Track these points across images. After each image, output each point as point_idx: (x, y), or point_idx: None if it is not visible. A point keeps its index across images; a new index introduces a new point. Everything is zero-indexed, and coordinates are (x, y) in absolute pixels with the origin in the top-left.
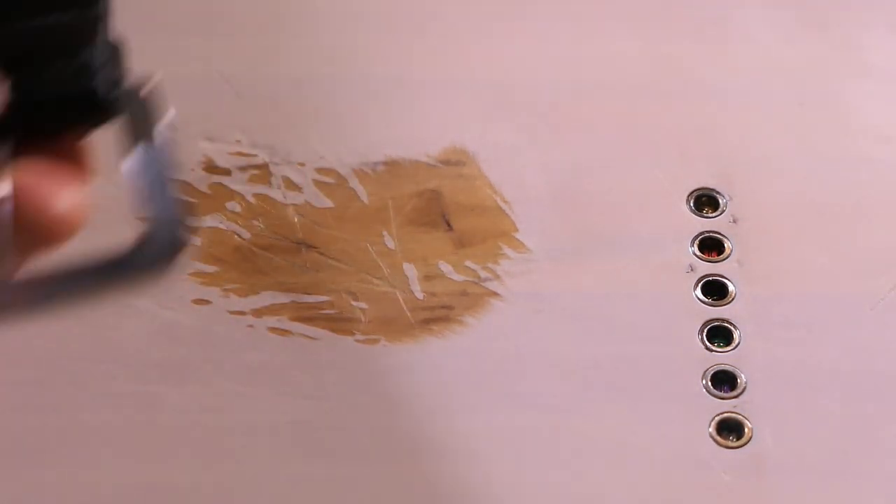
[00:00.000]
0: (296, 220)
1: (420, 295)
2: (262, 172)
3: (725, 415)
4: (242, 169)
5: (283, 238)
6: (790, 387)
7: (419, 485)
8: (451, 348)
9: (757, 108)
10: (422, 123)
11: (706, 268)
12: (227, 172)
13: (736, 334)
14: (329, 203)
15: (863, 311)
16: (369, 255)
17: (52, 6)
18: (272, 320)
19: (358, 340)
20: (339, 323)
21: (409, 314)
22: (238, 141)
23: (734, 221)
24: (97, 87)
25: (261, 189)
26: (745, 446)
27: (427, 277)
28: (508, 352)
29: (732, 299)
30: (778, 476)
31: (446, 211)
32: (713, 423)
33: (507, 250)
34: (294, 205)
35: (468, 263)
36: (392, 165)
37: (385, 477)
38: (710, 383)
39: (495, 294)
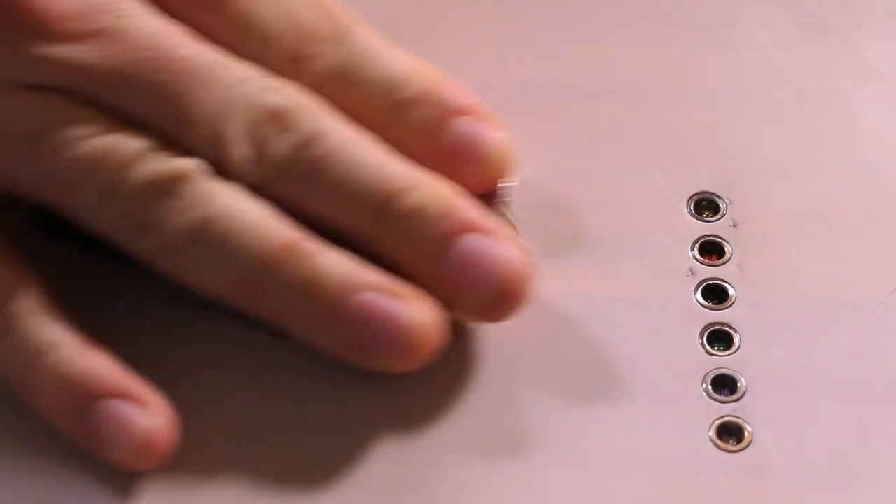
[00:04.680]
0: None
1: None
2: None
3: (725, 418)
4: None
5: None
6: (790, 390)
7: (419, 487)
8: (451, 351)
9: (757, 112)
10: None
11: (706, 272)
12: None
13: (736, 338)
14: None
15: (863, 315)
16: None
17: None
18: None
19: None
20: None
21: None
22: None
23: (734, 225)
24: None
25: None
26: (746, 450)
27: None
28: (508, 355)
29: (733, 303)
30: (778, 480)
31: None
32: (713, 427)
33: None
34: None
35: None
36: None
37: (385, 479)
38: (710, 387)
39: None
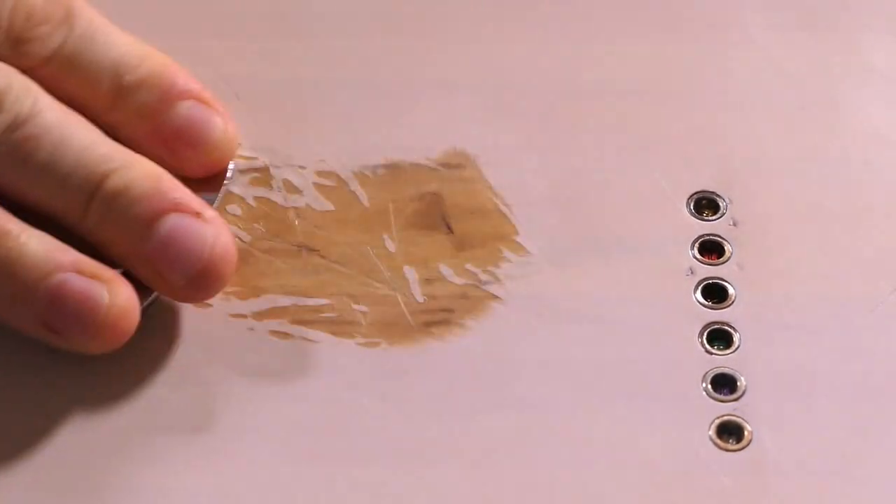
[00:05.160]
0: (296, 223)
1: (420, 298)
2: (263, 175)
3: (725, 418)
4: (243, 172)
5: (284, 241)
6: (790, 390)
7: (418, 487)
8: (452, 351)
9: (757, 111)
10: (422, 126)
11: (706, 271)
12: None
13: (736, 337)
14: (330, 206)
15: (863, 314)
16: (370, 258)
17: None
18: (273, 323)
19: (359, 343)
20: (340, 326)
21: (409, 317)
22: (238, 144)
23: (734, 224)
24: None
25: (261, 192)
26: (745, 449)
27: (427, 280)
28: (508, 354)
29: (732, 302)
30: (778, 479)
31: (447, 214)
32: (713, 426)
33: (507, 253)
34: (295, 208)
35: (468, 266)
36: (392, 168)
37: (384, 479)
38: (710, 386)
39: (496, 297)
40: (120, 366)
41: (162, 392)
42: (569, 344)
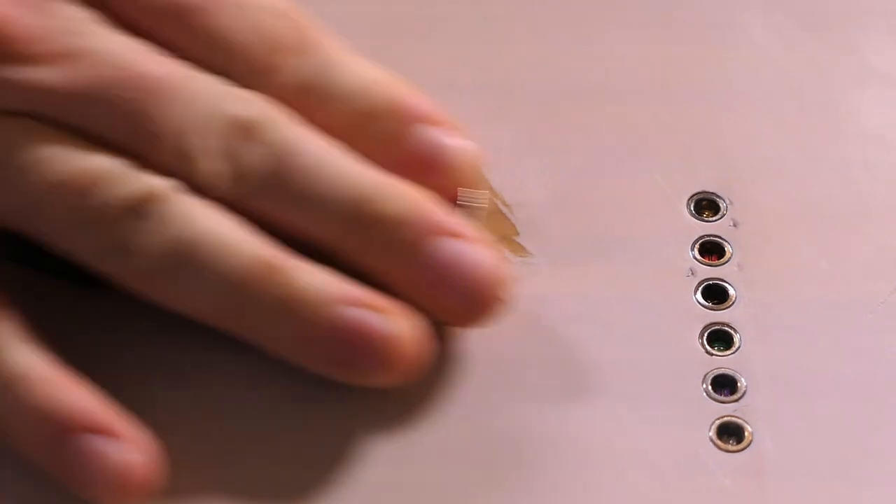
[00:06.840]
0: None
1: None
2: None
3: (726, 419)
4: None
5: None
6: (790, 390)
7: (418, 487)
8: (452, 352)
9: (758, 112)
10: None
11: (706, 272)
12: None
13: (736, 338)
14: None
15: (863, 315)
16: None
17: None
18: None
19: None
20: None
21: None
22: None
23: (735, 225)
24: None
25: None
26: (745, 450)
27: None
28: (508, 355)
29: (733, 303)
30: (778, 480)
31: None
32: (713, 427)
33: (507, 254)
34: None
35: None
36: None
37: (385, 479)
38: (710, 387)
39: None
40: (119, 362)
41: (160, 391)
42: (568, 344)
